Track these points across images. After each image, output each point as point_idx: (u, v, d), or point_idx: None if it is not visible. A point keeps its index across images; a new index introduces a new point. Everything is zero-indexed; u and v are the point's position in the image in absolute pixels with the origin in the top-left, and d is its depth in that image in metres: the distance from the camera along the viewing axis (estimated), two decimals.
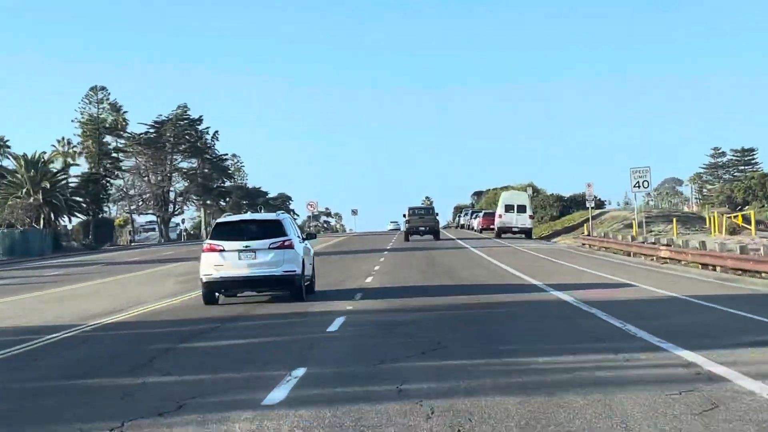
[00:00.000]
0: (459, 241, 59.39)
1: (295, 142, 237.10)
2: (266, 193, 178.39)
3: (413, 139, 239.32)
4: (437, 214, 66.11)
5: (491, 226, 78.83)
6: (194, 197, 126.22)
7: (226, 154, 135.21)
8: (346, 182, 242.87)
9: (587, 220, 66.89)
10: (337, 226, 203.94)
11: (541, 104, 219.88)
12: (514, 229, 64.83)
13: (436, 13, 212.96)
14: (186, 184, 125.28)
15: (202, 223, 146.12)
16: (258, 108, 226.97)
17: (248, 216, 25.56)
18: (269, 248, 21.38)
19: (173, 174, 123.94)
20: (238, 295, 22.81)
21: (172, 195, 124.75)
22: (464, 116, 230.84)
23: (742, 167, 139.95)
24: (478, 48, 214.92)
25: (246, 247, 21.37)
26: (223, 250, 21.34)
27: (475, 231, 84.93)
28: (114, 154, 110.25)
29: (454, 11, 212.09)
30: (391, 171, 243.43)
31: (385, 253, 46.91)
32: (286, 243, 21.57)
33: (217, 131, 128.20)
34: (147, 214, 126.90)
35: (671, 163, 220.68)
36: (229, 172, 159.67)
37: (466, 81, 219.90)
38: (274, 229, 21.94)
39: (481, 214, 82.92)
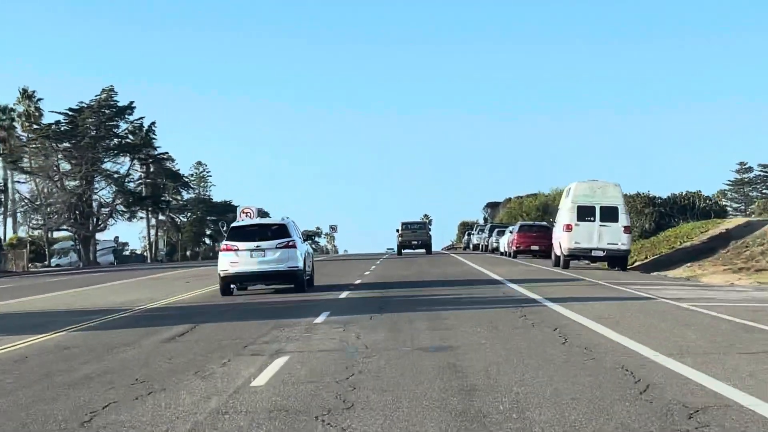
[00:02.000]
0: (505, 280, 28.85)
1: (285, 158, 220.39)
2: (236, 208, 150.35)
3: (410, 153, 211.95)
4: (429, 229, 66.29)
5: (533, 247, 49.19)
6: (122, 208, 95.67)
7: (167, 153, 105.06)
8: (344, 201, 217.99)
9: (727, 234, 36.94)
10: (329, 246, 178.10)
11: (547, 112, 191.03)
12: (596, 253, 34.60)
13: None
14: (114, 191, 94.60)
15: (148, 241, 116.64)
16: (252, 127, 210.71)
17: (258, 220, 29.45)
18: (276, 248, 24.62)
19: (96, 178, 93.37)
20: (248, 287, 26.02)
21: (97, 206, 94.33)
22: (462, 127, 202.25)
23: None
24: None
25: (257, 246, 24.63)
26: (238, 250, 24.56)
27: (504, 255, 55.10)
28: None
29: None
30: (389, 190, 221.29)
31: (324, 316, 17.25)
32: (291, 243, 24.83)
33: (153, 123, 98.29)
34: (61, 229, 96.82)
35: (682, 180, 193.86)
36: (186, 179, 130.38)
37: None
38: (280, 231, 25.26)
39: (515, 229, 52.75)
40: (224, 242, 25.46)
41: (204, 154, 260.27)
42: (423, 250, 61.39)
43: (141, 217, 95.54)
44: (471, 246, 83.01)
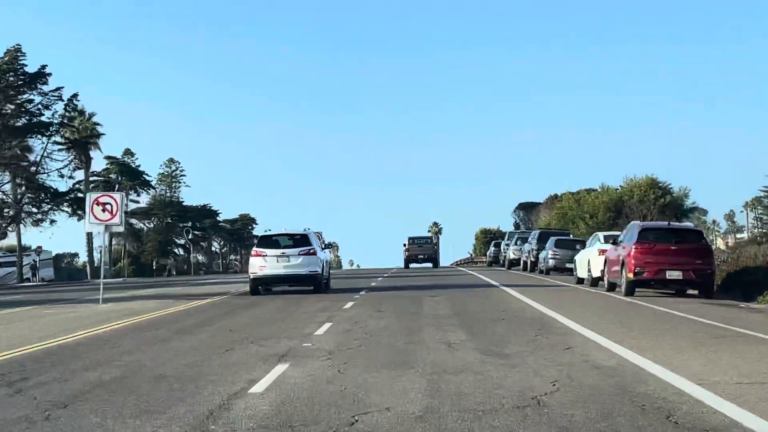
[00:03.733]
0: None
1: (284, 163, 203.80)
2: (217, 213, 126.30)
3: (415, 155, 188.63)
4: (436, 243, 69.93)
5: (672, 273, 25.36)
6: (32, 208, 70.37)
7: (97, 124, 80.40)
8: (353, 211, 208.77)
9: None
10: (332, 256, 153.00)
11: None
12: None
13: None
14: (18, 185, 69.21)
15: (88, 253, 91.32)
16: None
17: (283, 231, 31.49)
18: (299, 254, 28.89)
19: None
20: (273, 289, 30.71)
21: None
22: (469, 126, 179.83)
23: None
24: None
25: (282, 253, 29.03)
26: (266, 255, 29.02)
27: (583, 282, 30.50)
28: None
29: None
30: (396, 197, 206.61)
31: None
32: (311, 251, 29.01)
33: (76, 95, 73.20)
34: None
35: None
36: (147, 178, 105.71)
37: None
38: (302, 240, 29.46)
39: (628, 237, 26.74)
40: (254, 249, 29.94)
41: (179, 150, 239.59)
42: (430, 264, 65.40)
43: (53, 220, 70.15)
44: (504, 261, 58.72)
